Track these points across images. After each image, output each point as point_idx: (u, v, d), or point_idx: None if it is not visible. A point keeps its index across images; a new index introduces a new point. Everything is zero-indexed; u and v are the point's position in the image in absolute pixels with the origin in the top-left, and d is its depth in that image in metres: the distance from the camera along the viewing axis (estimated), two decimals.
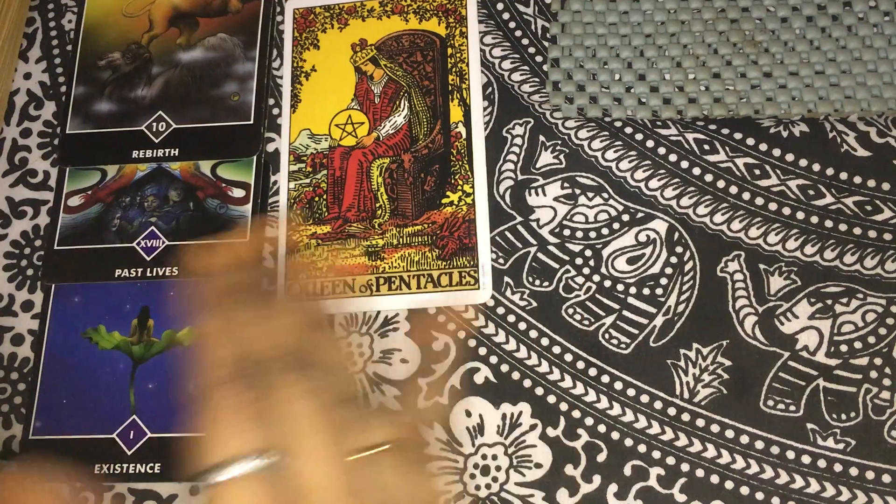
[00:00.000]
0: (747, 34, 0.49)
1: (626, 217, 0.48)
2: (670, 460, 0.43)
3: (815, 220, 0.47)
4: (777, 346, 0.45)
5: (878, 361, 0.44)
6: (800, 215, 0.47)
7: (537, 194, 0.49)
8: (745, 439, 0.43)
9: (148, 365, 0.47)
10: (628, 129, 0.49)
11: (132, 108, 0.52)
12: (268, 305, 0.33)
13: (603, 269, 0.47)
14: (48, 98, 0.54)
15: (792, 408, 0.44)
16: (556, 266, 0.47)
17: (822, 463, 0.43)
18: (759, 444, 0.43)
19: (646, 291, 0.46)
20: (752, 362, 0.44)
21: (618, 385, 0.45)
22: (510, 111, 0.50)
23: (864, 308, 0.45)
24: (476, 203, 0.48)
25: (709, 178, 0.48)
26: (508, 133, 0.50)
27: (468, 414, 0.45)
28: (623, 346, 0.46)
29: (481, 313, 0.47)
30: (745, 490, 0.43)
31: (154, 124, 0.52)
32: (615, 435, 0.44)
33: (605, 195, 0.48)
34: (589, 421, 0.44)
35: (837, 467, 0.43)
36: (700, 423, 0.44)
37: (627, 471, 0.43)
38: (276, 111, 0.52)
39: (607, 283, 0.47)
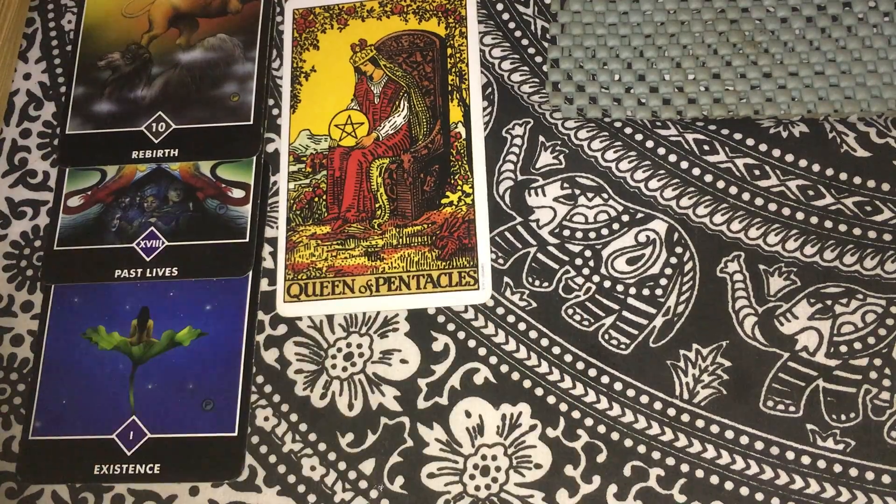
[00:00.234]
0: (747, 35, 0.49)
1: (625, 217, 0.48)
2: (670, 461, 0.43)
3: (814, 220, 0.47)
4: (777, 346, 0.45)
5: (877, 362, 0.44)
6: (799, 216, 0.47)
7: (537, 195, 0.49)
8: (744, 440, 0.43)
9: (148, 365, 0.47)
10: (628, 130, 0.49)
11: (132, 108, 0.52)
12: None
13: (603, 270, 0.47)
14: (48, 98, 0.54)
15: (792, 408, 0.44)
16: (556, 266, 0.47)
17: (821, 463, 0.43)
18: (759, 445, 0.43)
19: (645, 292, 0.46)
20: (752, 363, 0.44)
21: (617, 386, 0.45)
22: (510, 111, 0.50)
23: (864, 309, 0.45)
24: (476, 203, 0.48)
25: (708, 178, 0.48)
26: (508, 133, 0.50)
27: (468, 414, 0.45)
28: (623, 346, 0.45)
29: (481, 314, 0.47)
30: (744, 490, 0.43)
31: (154, 125, 0.52)
32: (615, 435, 0.44)
33: (605, 195, 0.48)
34: (589, 421, 0.44)
35: (837, 468, 0.43)
36: (700, 423, 0.44)
37: (627, 471, 0.43)
38: (275, 111, 0.52)
39: (607, 284, 0.47)
